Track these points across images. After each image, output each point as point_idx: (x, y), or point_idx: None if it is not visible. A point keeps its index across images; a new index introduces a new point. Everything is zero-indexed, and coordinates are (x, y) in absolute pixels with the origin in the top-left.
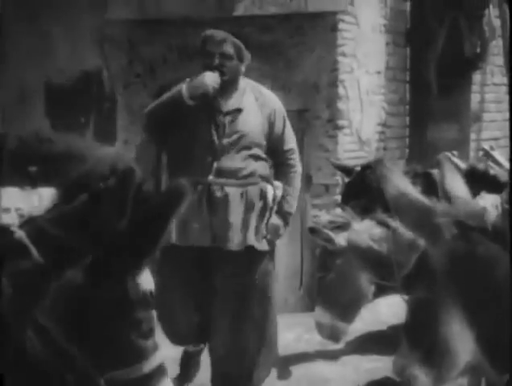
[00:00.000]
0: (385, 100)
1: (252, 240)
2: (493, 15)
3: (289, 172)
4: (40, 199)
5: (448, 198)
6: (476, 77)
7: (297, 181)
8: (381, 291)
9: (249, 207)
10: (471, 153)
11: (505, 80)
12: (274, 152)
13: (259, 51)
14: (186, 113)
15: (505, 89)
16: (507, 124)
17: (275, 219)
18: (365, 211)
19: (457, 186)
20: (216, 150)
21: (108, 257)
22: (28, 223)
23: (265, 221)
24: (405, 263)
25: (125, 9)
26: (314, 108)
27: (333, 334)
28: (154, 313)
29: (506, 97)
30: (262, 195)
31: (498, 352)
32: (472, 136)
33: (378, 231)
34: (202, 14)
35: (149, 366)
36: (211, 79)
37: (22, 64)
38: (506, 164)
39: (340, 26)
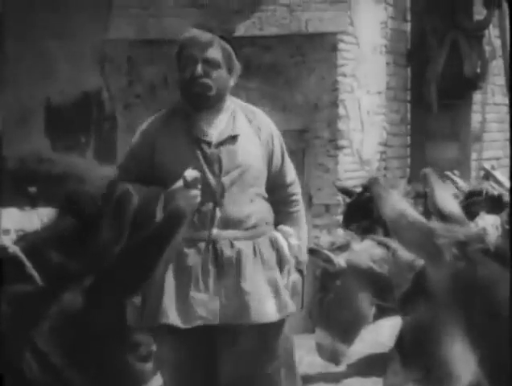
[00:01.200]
0: (386, 120)
1: (287, 305)
2: (493, 35)
3: (293, 211)
4: (40, 219)
5: (441, 214)
6: (477, 97)
7: (303, 221)
8: (382, 313)
9: (267, 265)
10: (472, 172)
11: (505, 100)
12: (275, 187)
13: (259, 71)
14: (165, 157)
15: (505, 109)
16: (508, 143)
17: (293, 275)
18: (365, 232)
19: (449, 201)
20: (216, 193)
21: (106, 281)
22: (23, 239)
23: (285, 281)
24: (403, 283)
25: (125, 29)
26: (314, 128)
27: (334, 356)
28: (152, 337)
29: (507, 117)
30: (274, 247)
31: (501, 375)
32: (473, 155)
33: (379, 252)
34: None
35: None
36: (186, 196)
37: (23, 85)
38: (507, 184)
39: (341, 46)
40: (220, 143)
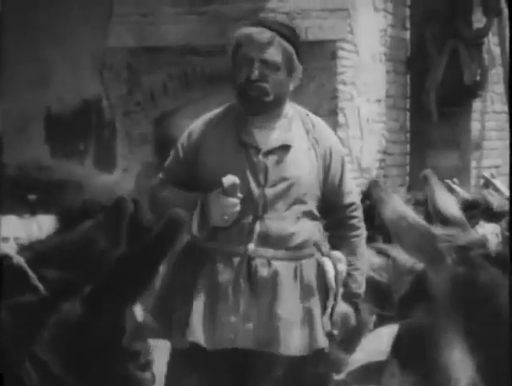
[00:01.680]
0: (385, 128)
1: (318, 339)
2: (492, 43)
3: (351, 236)
4: (39, 227)
5: (442, 217)
6: (477, 105)
7: (363, 249)
8: (382, 321)
9: (307, 291)
10: (472, 180)
11: (505, 108)
12: (330, 208)
13: None
14: (208, 161)
15: (505, 117)
16: (508, 151)
17: (342, 306)
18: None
19: (450, 204)
20: (258, 206)
21: (104, 289)
22: (27, 249)
23: (329, 311)
24: (402, 289)
25: (125, 37)
26: None
27: (334, 365)
28: (151, 345)
29: (507, 125)
30: (320, 273)
31: (498, 379)
32: (473, 163)
33: (378, 260)
34: (202, 42)
35: None
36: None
37: (22, 92)
38: (507, 192)
39: (340, 54)
40: (270, 151)
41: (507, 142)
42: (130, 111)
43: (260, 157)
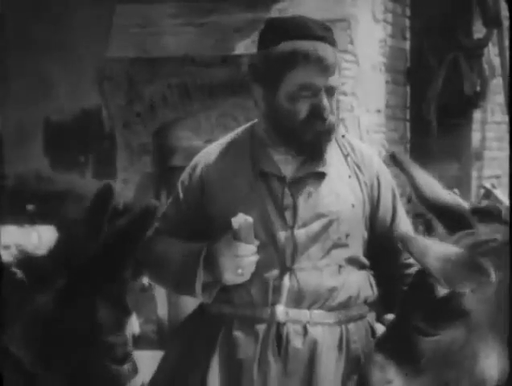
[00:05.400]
0: (385, 139)
1: None
2: (492, 54)
3: None
4: (39, 237)
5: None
6: (477, 115)
7: None
8: None
9: (355, 366)
10: (472, 191)
11: (505, 118)
12: (380, 252)
13: None
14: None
15: (505, 127)
16: (508, 161)
17: None
18: None
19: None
20: (285, 253)
21: (79, 281)
22: (26, 261)
23: None
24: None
25: (125, 47)
26: None
27: None
28: (129, 337)
29: (507, 135)
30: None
31: None
32: (474, 174)
33: None
34: (202, 52)
35: None
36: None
37: (22, 103)
38: (507, 202)
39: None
40: (299, 181)
41: (508, 153)
42: (129, 122)
43: (286, 189)
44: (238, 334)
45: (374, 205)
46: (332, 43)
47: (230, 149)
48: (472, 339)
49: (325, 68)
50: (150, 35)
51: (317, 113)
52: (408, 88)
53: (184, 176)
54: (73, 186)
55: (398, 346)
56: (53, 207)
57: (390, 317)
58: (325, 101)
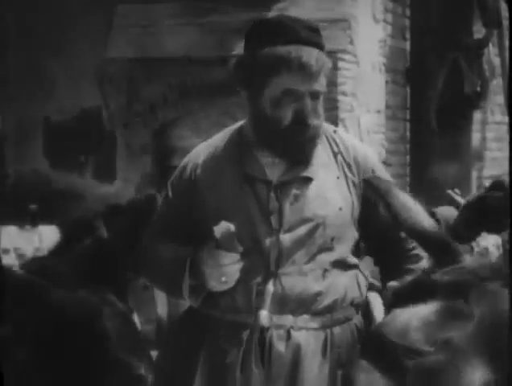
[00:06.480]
0: (385, 139)
1: None
2: (492, 54)
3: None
4: (40, 238)
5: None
6: (477, 116)
7: None
8: None
9: (339, 369)
10: (472, 191)
11: (505, 119)
12: (381, 244)
13: None
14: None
15: (505, 128)
16: (507, 162)
17: None
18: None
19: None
20: (269, 258)
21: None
22: (33, 263)
23: None
24: None
25: (125, 48)
26: None
27: None
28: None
29: (507, 135)
30: (360, 339)
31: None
32: (474, 174)
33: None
34: (202, 52)
35: None
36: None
37: (23, 103)
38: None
39: (340, 64)
40: (284, 185)
41: (508, 153)
42: (129, 122)
43: (271, 193)
44: (224, 338)
45: (371, 202)
46: (319, 45)
47: (219, 150)
48: (456, 362)
49: (309, 74)
50: (150, 35)
51: (300, 119)
52: (408, 89)
53: (174, 176)
54: (74, 186)
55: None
56: (54, 207)
57: (393, 284)
58: (309, 107)
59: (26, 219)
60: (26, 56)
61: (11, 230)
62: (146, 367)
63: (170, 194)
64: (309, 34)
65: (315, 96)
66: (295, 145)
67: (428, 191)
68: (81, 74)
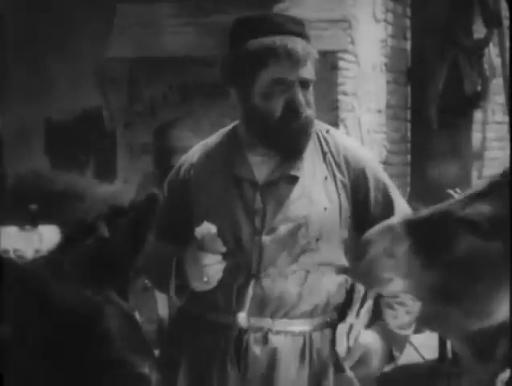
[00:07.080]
0: (386, 139)
1: None
2: (493, 54)
3: None
4: (40, 238)
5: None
6: (478, 115)
7: None
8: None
9: (319, 374)
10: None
11: (506, 118)
12: None
13: None
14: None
15: (506, 128)
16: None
17: (368, 338)
18: None
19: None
20: (250, 259)
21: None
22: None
23: (346, 329)
24: None
25: (125, 47)
26: None
27: None
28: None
29: (508, 135)
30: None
31: None
32: (474, 174)
33: None
34: (202, 52)
35: None
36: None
37: (23, 103)
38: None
39: (341, 64)
40: (270, 185)
41: (508, 153)
42: (130, 122)
43: (257, 194)
44: (205, 338)
45: (363, 208)
46: (303, 35)
47: (211, 151)
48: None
49: (296, 61)
50: (151, 35)
51: (292, 108)
52: (409, 88)
53: (171, 175)
54: (74, 186)
55: None
56: (55, 207)
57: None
58: (300, 95)
59: (27, 219)
60: (26, 56)
61: (11, 231)
62: (149, 366)
63: (166, 193)
64: (293, 26)
65: (305, 84)
66: (288, 136)
67: (429, 191)
68: (82, 74)
